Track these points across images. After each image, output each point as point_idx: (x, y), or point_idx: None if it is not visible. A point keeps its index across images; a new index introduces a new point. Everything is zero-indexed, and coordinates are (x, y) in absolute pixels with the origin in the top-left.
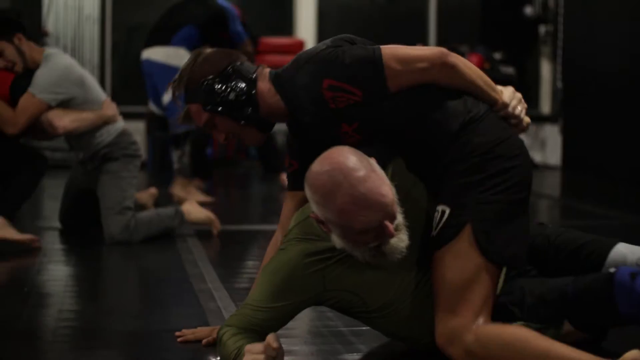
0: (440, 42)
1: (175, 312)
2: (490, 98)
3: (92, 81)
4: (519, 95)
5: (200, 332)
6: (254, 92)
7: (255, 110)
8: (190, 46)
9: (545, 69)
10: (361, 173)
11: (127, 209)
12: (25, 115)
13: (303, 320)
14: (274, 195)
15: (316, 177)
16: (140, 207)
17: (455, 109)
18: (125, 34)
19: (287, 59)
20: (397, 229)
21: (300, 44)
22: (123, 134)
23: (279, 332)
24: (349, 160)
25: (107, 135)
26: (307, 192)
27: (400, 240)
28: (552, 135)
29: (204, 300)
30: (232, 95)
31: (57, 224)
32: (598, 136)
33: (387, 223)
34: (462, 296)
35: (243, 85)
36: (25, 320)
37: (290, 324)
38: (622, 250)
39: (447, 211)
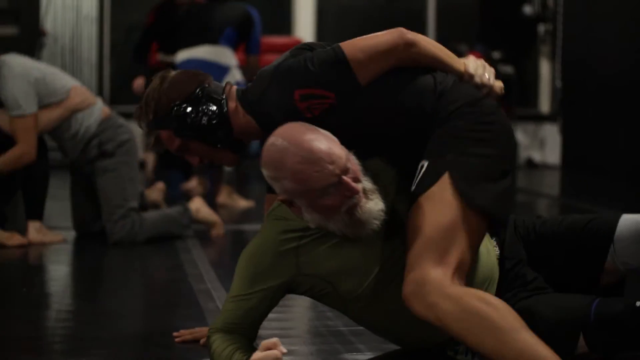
0: (439, 41)
1: (174, 312)
2: (455, 70)
3: (53, 72)
4: (481, 62)
5: (199, 332)
6: (225, 113)
7: (229, 132)
8: (233, 47)
9: (545, 68)
10: (305, 135)
11: (132, 210)
12: (30, 137)
13: (302, 320)
14: None
15: (265, 152)
16: (151, 203)
17: (426, 86)
18: (123, 33)
19: None
20: (367, 194)
21: (298, 44)
22: (107, 119)
23: (277, 332)
24: (291, 127)
25: (87, 124)
26: (264, 173)
27: (375, 204)
28: (551, 134)
29: (203, 301)
30: (204, 120)
31: (54, 224)
32: (597, 135)
33: (346, 179)
34: (438, 245)
35: (214, 108)
36: (23, 320)
37: (289, 324)
38: (630, 217)
39: (426, 163)
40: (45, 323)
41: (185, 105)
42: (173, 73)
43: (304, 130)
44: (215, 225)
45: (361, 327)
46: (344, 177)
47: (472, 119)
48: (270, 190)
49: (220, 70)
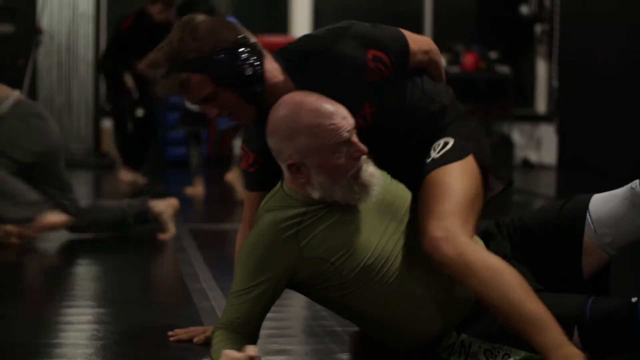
0: (435, 41)
1: (169, 311)
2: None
3: None
4: None
5: (194, 331)
6: (263, 68)
7: (262, 89)
8: None
9: (541, 68)
10: (313, 95)
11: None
12: None
13: (297, 319)
14: None
15: (276, 116)
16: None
17: (436, 87)
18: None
19: None
20: (367, 159)
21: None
22: (17, 105)
23: (272, 331)
24: (296, 93)
25: None
26: (275, 138)
27: (375, 169)
28: (548, 134)
29: (197, 300)
30: (248, 71)
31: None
32: (593, 135)
33: (355, 138)
34: (466, 209)
35: (257, 61)
36: (17, 320)
37: (285, 323)
38: (601, 194)
39: (452, 141)
40: (39, 322)
41: (230, 51)
42: (203, 18)
43: (309, 93)
44: (167, 230)
45: (356, 328)
46: (354, 137)
47: (472, 119)
48: (258, 187)
49: None
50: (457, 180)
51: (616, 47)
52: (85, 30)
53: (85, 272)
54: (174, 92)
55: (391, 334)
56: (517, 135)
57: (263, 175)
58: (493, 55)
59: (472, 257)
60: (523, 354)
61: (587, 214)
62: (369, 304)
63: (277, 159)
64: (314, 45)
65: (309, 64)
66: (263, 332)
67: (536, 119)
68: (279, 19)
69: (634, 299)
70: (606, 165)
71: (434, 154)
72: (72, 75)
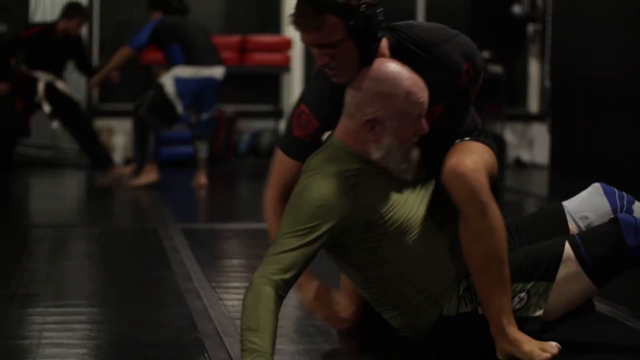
0: None
1: (162, 311)
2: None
3: None
4: None
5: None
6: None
7: (376, 55)
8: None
9: (534, 68)
10: (407, 68)
11: None
12: None
13: (290, 319)
14: (261, 193)
15: (378, 71)
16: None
17: (474, 111)
18: (112, 31)
19: (275, 57)
20: None
21: (288, 42)
22: None
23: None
24: (396, 61)
25: None
26: (366, 91)
27: (415, 152)
28: (540, 134)
29: (190, 299)
30: (379, 33)
31: (42, 222)
32: (586, 135)
33: (423, 119)
34: (487, 169)
35: (384, 29)
36: (10, 319)
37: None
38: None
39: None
40: (32, 322)
41: (371, 9)
42: None
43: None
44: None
45: (349, 328)
46: (422, 118)
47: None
48: (298, 155)
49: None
50: (482, 149)
51: (609, 47)
52: None
53: (78, 272)
54: (309, 27)
55: (409, 291)
56: (510, 134)
57: (314, 148)
58: (485, 54)
59: (492, 204)
60: (529, 285)
61: (564, 208)
62: (399, 255)
63: (350, 113)
64: (426, 36)
65: (413, 52)
66: None
67: (528, 118)
68: (272, 19)
69: (611, 216)
70: (598, 165)
71: (463, 139)
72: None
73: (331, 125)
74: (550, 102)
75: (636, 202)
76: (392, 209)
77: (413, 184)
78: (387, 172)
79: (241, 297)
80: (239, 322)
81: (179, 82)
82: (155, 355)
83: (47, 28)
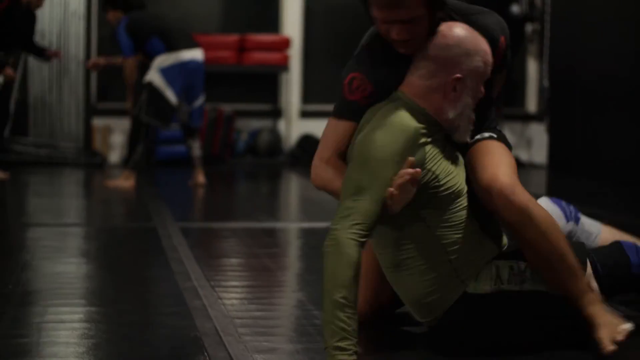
0: None
1: (160, 309)
2: None
3: None
4: None
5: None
6: None
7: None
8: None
9: (532, 67)
10: None
11: None
12: None
13: (289, 318)
14: (259, 192)
15: (459, 33)
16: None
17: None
18: (110, 30)
19: (273, 56)
20: None
21: (287, 41)
22: None
23: (263, 329)
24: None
25: None
26: (453, 50)
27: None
28: (538, 134)
29: (189, 298)
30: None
31: (40, 221)
32: (584, 135)
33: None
34: (513, 171)
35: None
36: (8, 318)
37: (276, 322)
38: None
39: (495, 135)
40: (30, 321)
41: None
42: None
43: None
44: None
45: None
46: None
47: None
48: (354, 116)
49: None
50: (506, 154)
51: (607, 47)
52: (76, 29)
53: (76, 271)
54: (396, 4)
55: (440, 258)
56: (508, 134)
57: (366, 109)
58: None
59: (535, 209)
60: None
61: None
62: (441, 220)
63: (427, 74)
64: (465, 6)
65: (456, 21)
66: (254, 329)
67: (527, 118)
68: (271, 18)
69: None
70: (596, 165)
71: (483, 135)
72: (63, 74)
73: (385, 91)
74: (549, 102)
75: (581, 215)
76: (448, 176)
77: (459, 158)
78: (448, 139)
79: (240, 296)
80: (238, 320)
81: (164, 72)
82: (154, 354)
83: (14, 2)
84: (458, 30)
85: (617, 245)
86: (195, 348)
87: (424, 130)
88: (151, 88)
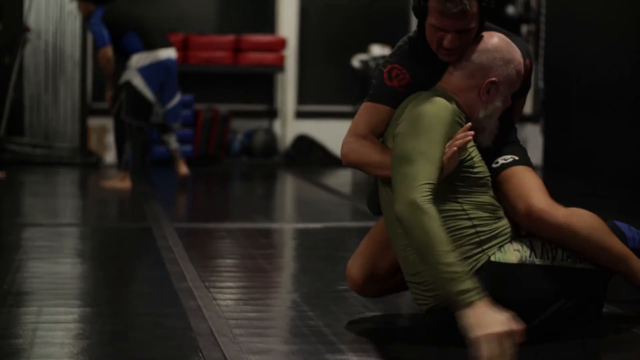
0: None
1: (155, 310)
2: None
3: None
4: None
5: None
6: None
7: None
8: None
9: None
10: None
11: None
12: None
13: (283, 319)
14: (254, 193)
15: (500, 43)
16: None
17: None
18: None
19: (269, 57)
20: None
21: (282, 42)
22: None
23: (258, 331)
24: None
25: None
26: (493, 55)
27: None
28: (533, 135)
29: (184, 299)
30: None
31: (35, 221)
32: (579, 136)
33: None
34: (543, 192)
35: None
36: (3, 319)
37: (271, 323)
38: None
39: (518, 156)
40: (24, 322)
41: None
42: None
43: None
44: None
45: (342, 328)
46: None
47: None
48: (391, 101)
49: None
50: (531, 173)
51: (602, 49)
52: (72, 29)
53: (71, 271)
54: (459, 14)
55: (467, 230)
56: None
57: (403, 98)
58: None
59: (574, 221)
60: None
61: None
62: (470, 197)
63: (467, 74)
64: (494, 27)
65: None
66: (249, 330)
67: (522, 119)
68: (266, 18)
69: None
70: (591, 166)
71: (506, 159)
72: (58, 73)
73: (420, 85)
74: (544, 103)
75: None
76: (480, 163)
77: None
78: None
79: (235, 296)
80: (233, 321)
81: (142, 71)
82: (149, 354)
83: None
84: (497, 38)
85: (610, 223)
86: (190, 349)
87: (461, 115)
88: (130, 87)
